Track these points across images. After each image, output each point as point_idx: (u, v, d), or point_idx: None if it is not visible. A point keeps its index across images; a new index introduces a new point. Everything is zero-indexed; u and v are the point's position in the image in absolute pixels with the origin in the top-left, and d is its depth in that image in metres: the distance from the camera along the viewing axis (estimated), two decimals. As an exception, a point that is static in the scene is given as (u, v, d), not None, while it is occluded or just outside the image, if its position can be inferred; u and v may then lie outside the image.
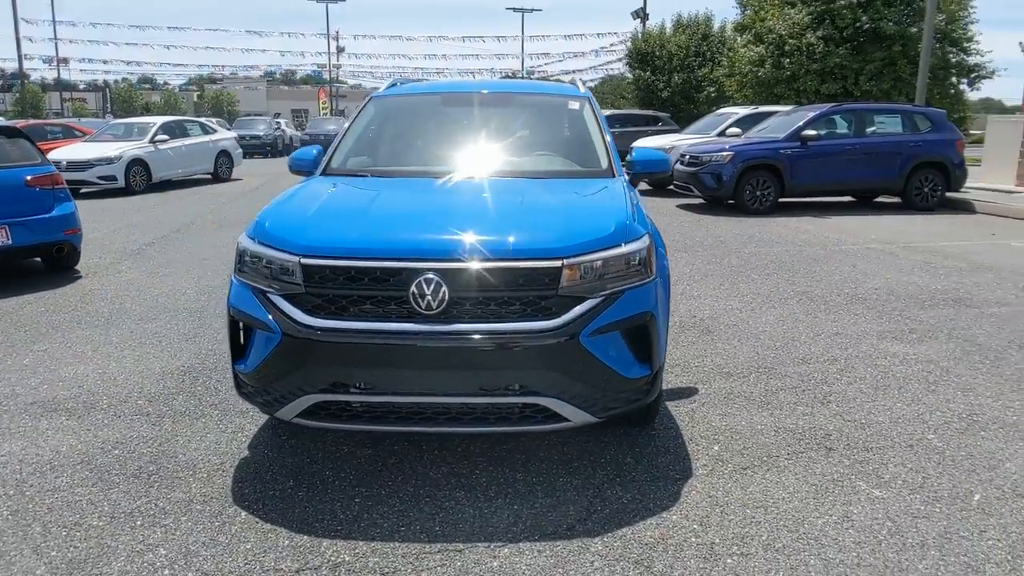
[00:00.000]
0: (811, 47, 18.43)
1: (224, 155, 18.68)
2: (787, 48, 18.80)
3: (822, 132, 12.04)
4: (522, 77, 63.93)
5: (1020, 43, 32.11)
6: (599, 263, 2.94)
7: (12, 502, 3.03)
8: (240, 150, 19.93)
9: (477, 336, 2.83)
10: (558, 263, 2.88)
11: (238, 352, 3.19)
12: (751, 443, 3.51)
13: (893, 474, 3.19)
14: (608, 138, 4.23)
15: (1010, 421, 3.75)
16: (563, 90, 4.79)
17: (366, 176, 3.96)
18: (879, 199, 13.17)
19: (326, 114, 52.43)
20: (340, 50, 66.19)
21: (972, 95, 22.16)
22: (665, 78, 28.85)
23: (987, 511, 2.90)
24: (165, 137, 16.45)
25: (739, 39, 21.45)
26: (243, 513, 2.93)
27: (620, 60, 41.13)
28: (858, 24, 18.07)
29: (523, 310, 2.88)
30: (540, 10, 65.99)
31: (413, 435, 3.54)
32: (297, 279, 2.95)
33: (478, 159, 4.10)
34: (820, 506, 2.94)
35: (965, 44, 19.16)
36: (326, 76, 66.43)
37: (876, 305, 6.08)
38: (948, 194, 12.37)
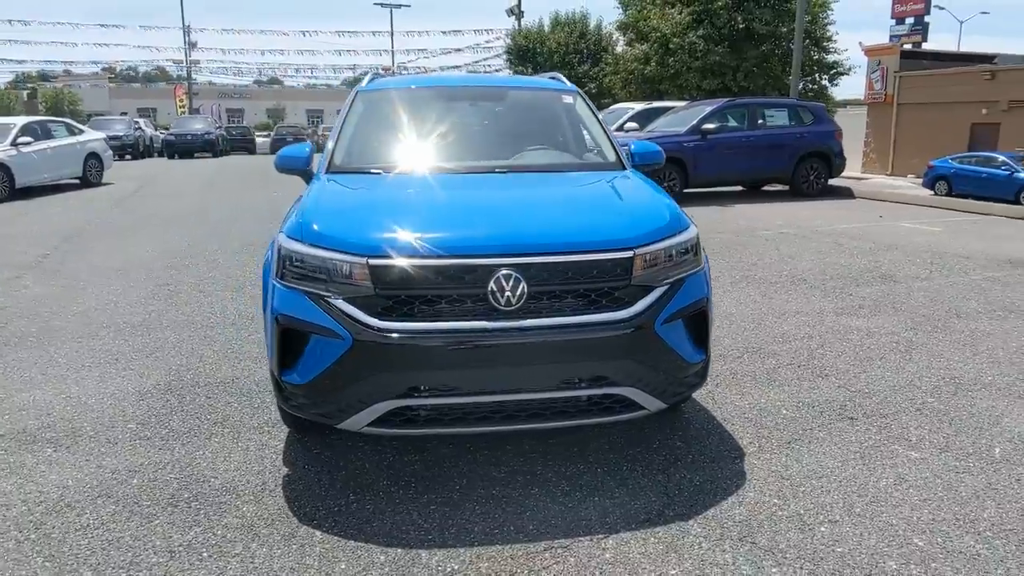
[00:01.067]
0: (693, 46, 19.44)
1: (93, 158, 17.22)
2: (671, 46, 19.72)
3: (719, 126, 12.72)
4: (395, 73, 63.03)
5: (860, 43, 35.17)
6: (663, 252, 2.99)
7: (42, 547, 2.69)
8: (110, 152, 18.46)
9: (558, 330, 2.80)
10: (630, 253, 2.90)
11: (286, 363, 2.99)
12: (780, 419, 3.68)
13: (918, 436, 3.46)
14: (609, 131, 4.29)
15: (986, 381, 4.16)
16: (550, 84, 4.80)
17: (381, 174, 3.79)
18: (766, 187, 14.09)
19: (184, 112, 49.44)
20: (192, 45, 62.36)
21: (834, 91, 24.13)
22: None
23: (1012, 461, 3.20)
24: (28, 139, 14.94)
25: (621, 37, 22.22)
26: (317, 533, 2.76)
27: (497, 56, 41.47)
28: (733, 24, 19.24)
29: (598, 301, 2.88)
30: (408, 5, 65.33)
31: (457, 437, 3.46)
32: (365, 281, 2.80)
33: (493, 154, 4.05)
34: (872, 471, 3.14)
35: (825, 43, 20.90)
36: (174, 73, 62.60)
37: (818, 284, 6.53)
38: (829, 181, 13.42)
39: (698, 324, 3.11)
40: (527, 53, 30.74)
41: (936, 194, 14.37)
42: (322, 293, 2.87)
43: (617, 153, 4.11)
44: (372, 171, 3.82)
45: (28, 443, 3.55)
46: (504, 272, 2.78)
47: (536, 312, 2.82)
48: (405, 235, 2.87)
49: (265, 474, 3.21)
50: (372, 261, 2.80)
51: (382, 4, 58.34)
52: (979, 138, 26.29)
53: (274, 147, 37.81)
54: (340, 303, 2.83)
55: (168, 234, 9.76)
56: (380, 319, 2.78)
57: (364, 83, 4.64)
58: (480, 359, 2.79)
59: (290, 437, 3.56)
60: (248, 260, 7.87)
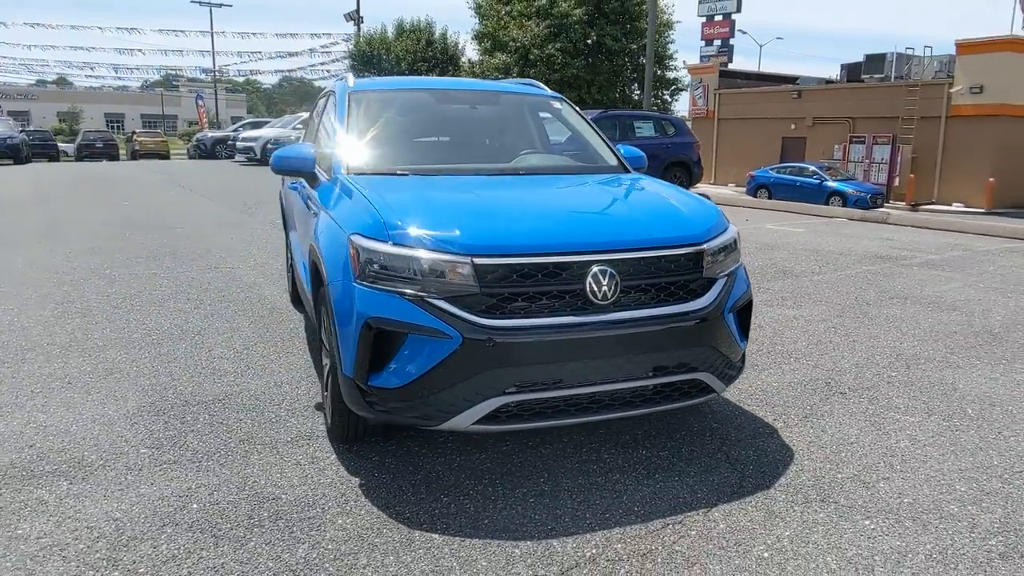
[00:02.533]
0: (552, 58, 20.23)
1: None
2: (531, 57, 20.39)
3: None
4: (213, 74, 59.45)
5: (683, 61, 38.30)
6: (720, 247, 3.26)
7: (139, 582, 2.45)
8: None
9: (648, 321, 2.97)
10: (701, 247, 3.14)
11: (374, 367, 2.91)
12: (785, 398, 4.08)
13: (904, 405, 3.99)
14: (602, 135, 4.52)
15: (926, 356, 4.84)
16: (536, 90, 4.94)
17: (409, 176, 3.73)
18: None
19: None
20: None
21: (674, 105, 26.05)
22: (395, 82, 29.18)
23: (985, 418, 3.79)
24: None
25: (476, 47, 22.65)
26: (435, 536, 2.72)
27: (336, 61, 40.45)
28: (588, 39, 20.27)
29: (676, 293, 3.08)
30: (230, 5, 61.96)
31: (511, 434, 3.51)
32: (470, 281, 2.81)
33: (502, 156, 4.13)
34: (888, 436, 3.59)
35: (667, 61, 22.57)
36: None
37: (735, 280, 7.14)
38: (689, 189, 14.58)
39: (746, 313, 3.41)
40: (371, 59, 30.33)
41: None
42: (419, 293, 2.84)
43: (617, 157, 4.34)
44: (398, 173, 3.76)
45: (29, 479, 3.15)
46: (599, 268, 2.91)
47: (625, 305, 2.97)
48: (503, 235, 2.92)
49: (337, 486, 3.08)
50: (477, 260, 2.82)
51: (200, 2, 55.02)
52: (789, 150, 29.56)
53: (80, 153, 34.27)
54: (441, 303, 2.81)
55: (37, 250, 8.73)
56: (486, 317, 2.80)
57: (349, 82, 4.52)
58: (581, 352, 2.89)
59: (339, 448, 3.43)
60: (147, 273, 7.29)
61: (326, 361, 3.62)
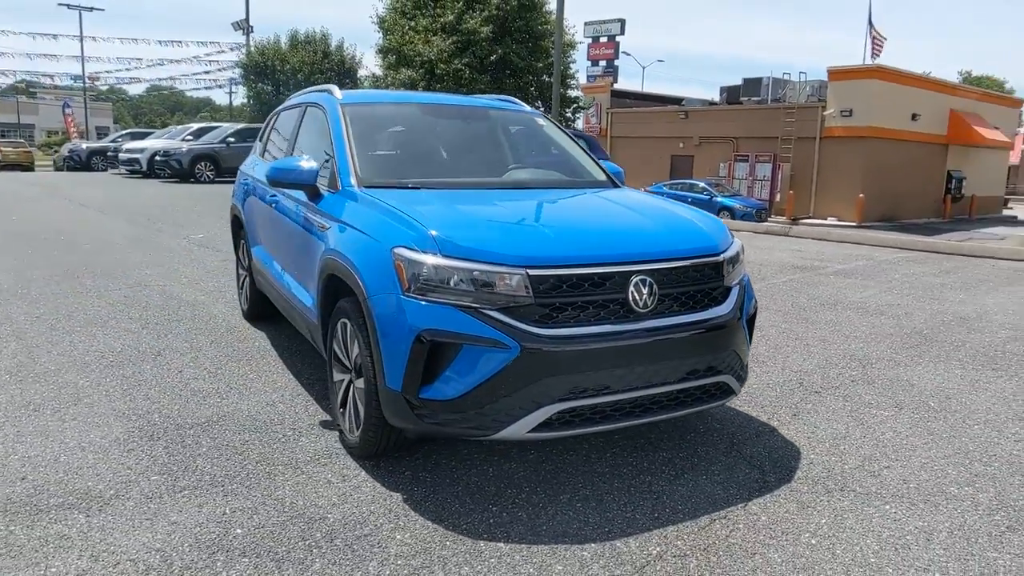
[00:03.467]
0: (459, 73, 20.36)
1: None
2: (438, 72, 20.43)
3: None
4: (83, 82, 55.73)
5: (578, 81, 39.36)
6: (733, 257, 3.47)
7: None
8: None
9: (683, 327, 3.14)
10: (721, 257, 3.34)
11: (425, 379, 2.91)
12: (769, 398, 4.36)
13: (875, 401, 4.35)
14: (587, 150, 4.69)
15: (876, 356, 5.29)
16: (517, 107, 5.03)
17: (422, 189, 3.73)
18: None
19: None
20: None
21: (576, 124, 26.76)
22: (291, 93, 28.43)
23: (948, 409, 4.21)
24: None
25: (380, 61, 22.44)
26: (501, 544, 2.75)
27: (224, 70, 38.90)
28: (494, 55, 20.55)
29: (702, 301, 3.27)
30: (102, 9, 58.33)
31: (533, 442, 3.58)
32: (524, 291, 2.87)
33: (503, 170, 4.21)
34: (872, 430, 3.92)
35: (568, 80, 23.22)
36: None
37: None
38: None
39: (752, 319, 3.64)
40: (265, 70, 29.42)
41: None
42: (473, 304, 2.87)
43: (604, 172, 4.51)
44: (409, 186, 3.76)
45: (36, 513, 2.92)
46: (640, 277, 3.05)
47: (660, 313, 3.12)
48: (554, 247, 3.00)
49: (380, 502, 3.04)
50: (531, 272, 2.88)
51: (68, 5, 51.58)
52: (678, 167, 31.09)
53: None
54: (496, 313, 2.86)
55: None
56: (539, 327, 2.87)
57: (337, 94, 4.46)
58: (626, 358, 3.01)
59: (366, 465, 3.38)
60: (71, 291, 6.81)
61: (341, 377, 3.56)
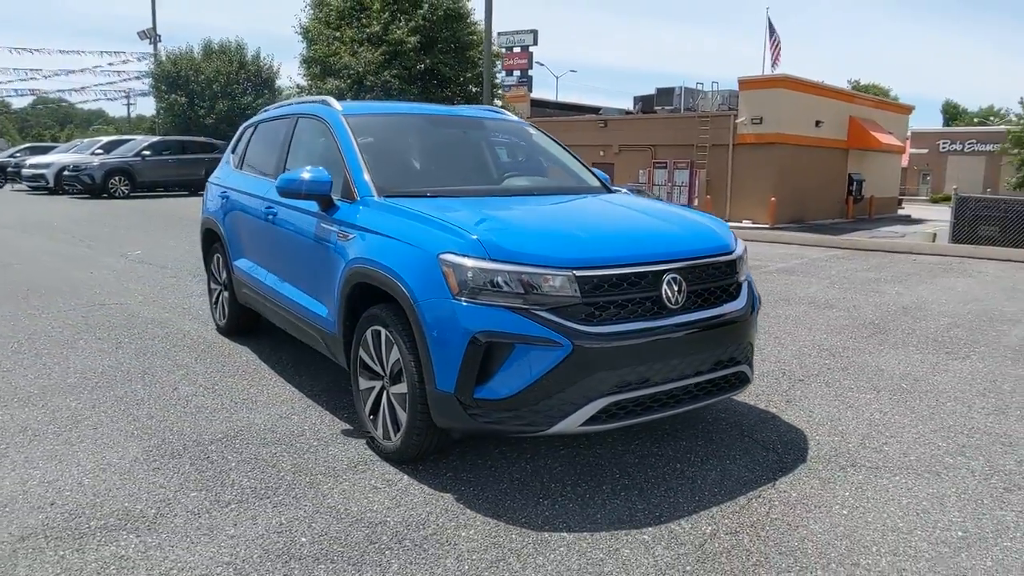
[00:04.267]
0: (387, 84, 20.24)
1: None
2: (367, 84, 20.24)
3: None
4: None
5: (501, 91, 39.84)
6: (743, 255, 3.73)
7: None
8: None
9: (710, 320, 3.35)
10: (735, 255, 3.59)
11: (479, 379, 3.01)
12: (762, 389, 4.64)
13: (856, 386, 4.70)
14: (578, 157, 4.88)
15: (842, 347, 5.69)
16: (508, 117, 5.16)
17: (440, 197, 3.82)
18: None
19: None
20: None
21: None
22: (207, 104, 27.53)
23: (921, 390, 4.60)
24: None
25: (305, 72, 22.04)
26: (565, 534, 2.87)
27: (128, 80, 37.23)
28: (421, 65, 20.55)
29: (721, 296, 3.49)
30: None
31: (559, 436, 3.72)
32: (572, 291, 3.02)
33: (508, 178, 4.35)
34: (862, 412, 4.24)
35: (496, 90, 23.41)
36: None
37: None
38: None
39: (756, 312, 3.90)
40: (178, 80, 28.38)
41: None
42: (524, 306, 2.99)
43: (597, 178, 4.71)
44: (428, 195, 3.84)
45: (81, 537, 2.85)
46: (672, 276, 3.25)
47: (688, 308, 3.32)
48: (596, 249, 3.16)
49: (433, 503, 3.11)
50: (578, 273, 3.03)
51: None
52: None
53: None
54: (546, 313, 2.99)
55: None
56: (586, 325, 3.02)
57: (336, 105, 4.48)
58: (663, 351, 3.19)
59: (406, 469, 3.43)
60: (22, 313, 6.51)
61: (369, 384, 3.60)
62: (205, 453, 3.61)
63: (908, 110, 39.09)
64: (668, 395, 3.27)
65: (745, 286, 3.65)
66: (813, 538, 2.84)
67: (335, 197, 3.93)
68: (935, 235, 14.35)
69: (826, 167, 30.71)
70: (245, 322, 5.75)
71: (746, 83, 29.11)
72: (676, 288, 3.24)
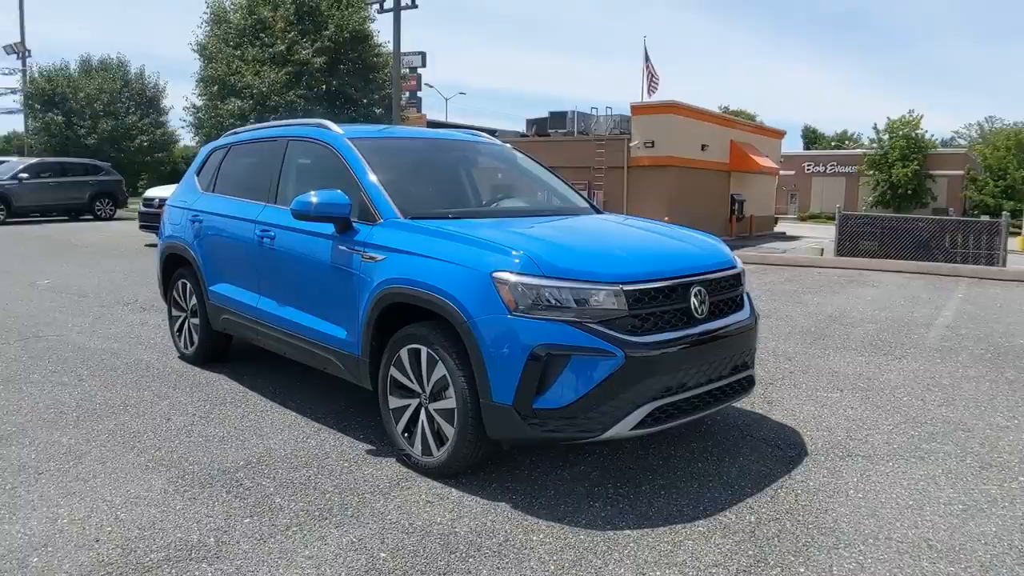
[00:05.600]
0: (293, 104, 19.83)
1: None
2: (271, 104, 19.75)
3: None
4: None
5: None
6: (743, 270, 4.08)
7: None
8: None
9: (730, 327, 3.67)
10: (739, 269, 3.94)
11: (538, 389, 3.17)
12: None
13: (822, 386, 5.17)
14: (564, 180, 5.14)
15: (792, 351, 6.19)
16: (486, 139, 5.34)
17: (462, 219, 3.95)
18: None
19: None
20: None
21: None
22: (88, 124, 25.90)
23: (877, 389, 5.12)
24: None
25: (203, 91, 21.22)
26: (631, 532, 3.07)
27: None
28: (329, 86, 20.28)
29: (731, 306, 3.82)
30: None
31: (575, 445, 3.92)
32: (620, 305, 3.24)
33: (521, 201, 4.56)
34: (836, 409, 4.69)
35: (402, 112, 23.44)
36: None
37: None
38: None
39: (757, 322, 4.25)
40: (53, 97, 26.56)
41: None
42: (577, 319, 3.19)
43: (584, 199, 4.98)
44: (451, 216, 3.98)
45: (148, 570, 2.78)
46: (697, 288, 3.54)
47: (708, 319, 3.62)
48: (637, 266, 3.41)
49: (493, 513, 3.22)
50: (626, 287, 3.27)
51: None
52: (501, 196, 32.22)
53: None
54: (598, 326, 3.20)
55: None
56: (632, 335, 3.26)
57: (335, 130, 4.52)
58: (696, 358, 3.46)
59: (451, 484, 3.51)
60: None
61: (403, 403, 3.68)
62: (236, 480, 3.56)
63: (781, 135, 42.16)
64: (699, 399, 3.54)
65: (747, 298, 3.99)
66: (844, 519, 3.17)
67: (353, 219, 3.98)
68: (823, 250, 15.62)
69: (712, 188, 32.58)
70: (218, 349, 5.61)
71: (638, 108, 30.51)
72: (700, 299, 3.53)
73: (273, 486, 3.49)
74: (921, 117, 48.67)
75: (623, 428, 3.24)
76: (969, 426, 4.37)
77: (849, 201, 54.30)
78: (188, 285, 5.60)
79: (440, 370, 3.45)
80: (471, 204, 4.42)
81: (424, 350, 3.52)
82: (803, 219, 49.97)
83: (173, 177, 14.67)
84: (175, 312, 5.87)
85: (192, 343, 5.64)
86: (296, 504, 3.31)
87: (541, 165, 5.27)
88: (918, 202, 47.95)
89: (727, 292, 3.78)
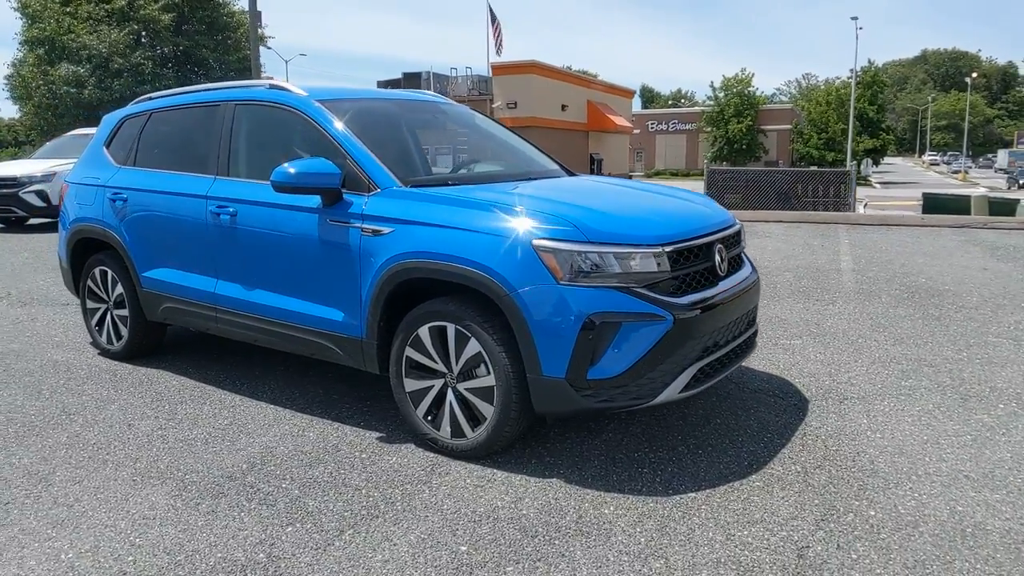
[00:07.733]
0: (140, 67, 17.88)
1: None
2: (115, 67, 17.68)
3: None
4: None
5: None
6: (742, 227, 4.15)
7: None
8: None
9: (745, 282, 3.73)
10: (740, 227, 4.00)
11: (593, 360, 3.07)
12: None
13: (802, 342, 5.41)
14: (531, 142, 4.99)
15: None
16: (452, 102, 5.05)
17: (464, 184, 3.73)
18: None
19: None
20: None
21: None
22: None
23: (852, 339, 5.44)
24: None
25: (29, 54, 18.64)
26: (694, 494, 3.06)
27: None
28: (177, 47, 18.47)
29: (737, 263, 3.88)
30: None
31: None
32: (663, 267, 3.18)
33: (499, 164, 4.34)
34: (823, 361, 4.93)
35: (260, 76, 21.84)
36: None
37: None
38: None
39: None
40: None
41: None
42: (625, 284, 3.10)
43: (555, 161, 4.86)
44: (450, 183, 3.75)
45: (204, 598, 2.47)
46: (719, 246, 3.56)
47: (726, 276, 3.66)
48: (672, 227, 3.35)
49: (553, 490, 3.11)
50: (667, 248, 3.21)
51: None
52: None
53: None
54: (644, 290, 3.13)
55: None
56: (675, 297, 3.22)
57: (294, 91, 4.09)
58: (725, 315, 3.48)
59: (490, 464, 3.35)
60: None
61: (423, 384, 3.47)
62: (250, 486, 3.21)
63: (631, 94, 43.72)
64: (727, 356, 3.58)
65: (745, 255, 4.07)
66: (880, 459, 3.34)
67: (347, 190, 3.65)
68: (698, 204, 16.40)
69: (572, 148, 33.31)
70: (151, 342, 5.03)
71: (499, 68, 30.44)
72: (721, 257, 3.55)
73: (297, 488, 3.18)
74: (753, 75, 52.11)
75: (673, 391, 3.20)
76: (930, 361, 4.74)
77: (690, 157, 57.45)
78: (110, 273, 4.95)
79: (473, 347, 3.25)
80: (456, 168, 4.17)
81: (452, 327, 3.30)
82: (649, 176, 52.20)
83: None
84: (92, 304, 5.18)
85: (119, 337, 5.01)
86: (334, 505, 3.03)
87: (502, 126, 5.07)
88: (752, 156, 51.57)
89: (734, 249, 3.82)
